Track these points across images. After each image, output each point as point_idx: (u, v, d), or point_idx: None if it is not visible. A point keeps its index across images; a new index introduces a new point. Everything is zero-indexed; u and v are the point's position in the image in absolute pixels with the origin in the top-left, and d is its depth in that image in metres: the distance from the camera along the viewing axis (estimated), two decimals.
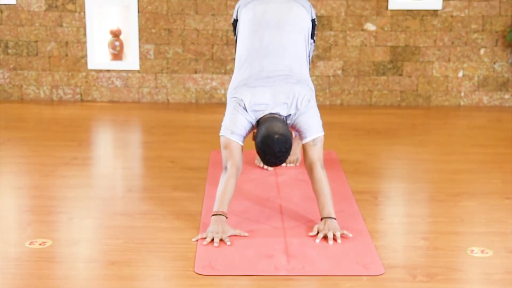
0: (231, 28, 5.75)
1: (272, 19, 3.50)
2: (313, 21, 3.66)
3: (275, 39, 3.46)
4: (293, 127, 3.42)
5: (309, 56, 3.64)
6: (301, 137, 3.39)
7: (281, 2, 3.57)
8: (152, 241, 3.20)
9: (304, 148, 3.36)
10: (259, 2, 3.58)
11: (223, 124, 3.40)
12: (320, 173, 3.30)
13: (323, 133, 3.38)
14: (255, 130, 3.40)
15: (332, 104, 5.92)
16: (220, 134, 3.40)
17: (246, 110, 3.36)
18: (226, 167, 3.34)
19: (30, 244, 3.14)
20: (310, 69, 3.65)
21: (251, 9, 3.57)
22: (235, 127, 3.34)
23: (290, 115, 3.37)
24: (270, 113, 3.34)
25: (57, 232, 3.31)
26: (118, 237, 3.24)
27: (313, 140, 3.34)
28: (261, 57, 3.44)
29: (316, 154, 3.33)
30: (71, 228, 3.37)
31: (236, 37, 3.67)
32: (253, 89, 3.39)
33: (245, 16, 3.58)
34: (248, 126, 3.38)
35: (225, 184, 3.28)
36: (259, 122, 3.36)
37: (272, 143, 3.18)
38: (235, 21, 3.69)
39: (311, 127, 3.35)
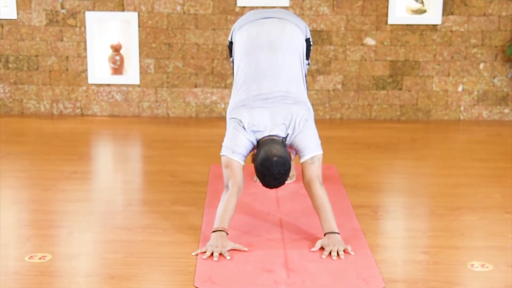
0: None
1: (266, 40, 3.52)
2: (307, 40, 3.67)
3: (271, 61, 3.48)
4: (291, 146, 3.43)
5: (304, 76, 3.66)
6: (299, 156, 3.40)
7: (274, 23, 3.58)
8: (152, 255, 3.19)
9: (302, 166, 3.37)
10: (253, 24, 3.60)
11: (224, 144, 3.42)
12: (319, 190, 3.31)
13: (321, 152, 3.39)
14: (254, 151, 3.42)
15: (332, 118, 5.93)
16: (221, 153, 3.41)
17: (246, 130, 3.38)
18: (227, 186, 3.35)
19: (29, 258, 3.14)
20: (307, 88, 3.66)
21: (245, 31, 3.60)
22: (236, 147, 3.36)
23: (288, 135, 3.39)
24: (269, 135, 3.36)
25: (57, 246, 3.30)
26: (118, 251, 3.23)
27: (311, 158, 3.35)
28: (258, 80, 3.47)
29: (314, 172, 3.33)
30: (71, 242, 3.36)
31: (232, 59, 3.70)
32: (251, 110, 3.41)
33: (240, 39, 3.61)
34: (249, 146, 3.39)
35: (226, 203, 3.29)
36: (258, 144, 3.38)
37: (271, 165, 3.20)
38: (230, 43, 3.73)
39: (309, 146, 3.36)
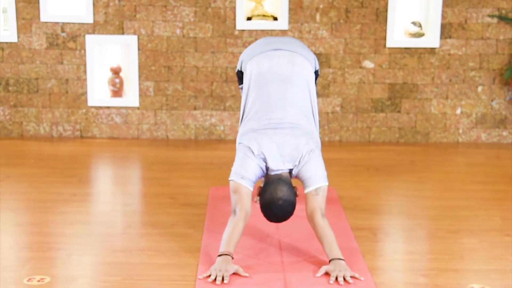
0: (231, 65, 5.80)
1: (277, 74, 3.56)
2: (315, 72, 3.72)
3: (281, 94, 3.52)
4: (297, 176, 3.45)
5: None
6: (304, 186, 3.41)
7: (285, 56, 3.60)
8: (151, 277, 3.19)
9: (306, 197, 3.38)
10: (264, 56, 3.61)
11: (233, 169, 3.43)
12: (321, 221, 3.32)
13: (326, 184, 3.40)
14: (262, 179, 3.45)
15: (331, 140, 5.95)
16: (229, 178, 3.41)
17: (255, 156, 3.40)
18: (235, 211, 3.35)
19: (28, 280, 3.13)
20: (318, 121, 3.69)
21: (256, 64, 3.61)
22: (245, 172, 3.37)
23: (295, 166, 3.41)
24: (276, 172, 3.39)
25: (55, 268, 3.29)
26: (117, 273, 3.22)
27: (315, 189, 3.36)
28: (268, 110, 3.50)
29: (317, 203, 3.34)
30: (70, 265, 3.35)
31: (241, 87, 3.74)
32: (260, 138, 3.43)
33: (251, 71, 3.62)
34: (258, 171, 3.41)
35: (233, 227, 3.29)
36: (265, 178, 3.42)
37: (275, 208, 3.27)
38: (240, 72, 3.76)
39: (314, 177, 3.37)
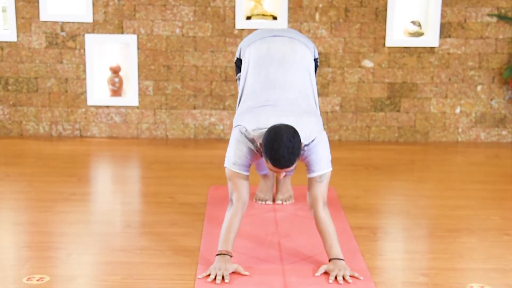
0: (230, 64, 5.80)
1: (277, 55, 3.50)
2: (315, 60, 3.67)
3: (281, 75, 3.43)
4: (302, 161, 3.32)
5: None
6: (308, 170, 3.30)
7: (285, 41, 3.57)
8: (151, 277, 3.19)
9: (309, 182, 3.29)
10: (263, 41, 3.59)
11: (226, 154, 3.35)
12: (322, 213, 3.25)
13: (331, 169, 3.31)
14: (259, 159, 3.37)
15: (330, 140, 5.93)
16: (224, 165, 3.36)
17: (248, 139, 3.29)
18: (231, 200, 3.30)
19: (28, 280, 3.13)
20: (318, 105, 3.61)
21: (255, 48, 3.58)
22: (237, 158, 3.29)
23: (306, 145, 3.26)
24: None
25: (55, 268, 3.29)
26: (116, 273, 3.22)
27: (320, 176, 3.27)
28: (267, 89, 3.40)
29: (320, 191, 3.26)
30: (69, 264, 3.35)
31: (239, 75, 3.68)
32: (258, 114, 3.30)
33: (249, 54, 3.58)
34: (250, 155, 3.30)
35: (230, 221, 3.25)
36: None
37: (279, 130, 3.09)
38: (238, 60, 3.71)
39: (320, 162, 3.26)
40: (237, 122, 3.39)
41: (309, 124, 3.30)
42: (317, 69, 3.72)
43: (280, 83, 3.41)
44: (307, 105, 3.43)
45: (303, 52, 3.57)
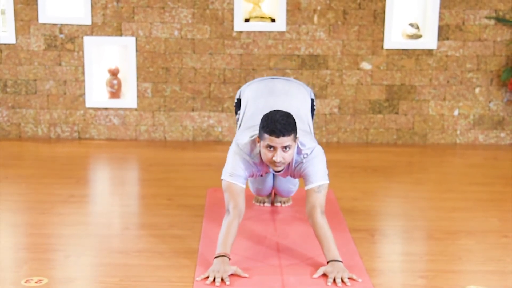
0: (229, 67, 5.81)
1: (275, 90, 3.75)
2: (312, 100, 3.88)
3: (279, 103, 3.61)
4: (299, 173, 3.43)
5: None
6: (305, 182, 3.40)
7: (282, 81, 3.84)
8: (149, 279, 3.19)
9: (307, 194, 3.38)
10: (262, 81, 3.85)
11: (224, 168, 3.44)
12: (321, 220, 3.30)
13: (328, 181, 3.41)
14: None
15: (328, 142, 5.95)
16: (221, 178, 3.42)
17: (244, 151, 3.39)
18: (228, 210, 3.35)
19: (26, 282, 3.13)
20: (313, 134, 3.75)
21: (255, 86, 3.83)
22: (234, 170, 3.38)
23: (306, 153, 3.40)
24: None
25: (53, 270, 3.29)
26: (114, 275, 3.22)
27: (318, 186, 3.35)
28: (265, 111, 3.52)
29: (318, 201, 3.33)
30: (67, 266, 3.35)
31: (239, 112, 3.85)
32: (254, 126, 3.49)
33: (249, 92, 3.81)
34: (246, 167, 3.40)
35: (228, 227, 3.29)
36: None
37: (277, 114, 3.26)
38: (238, 100, 3.90)
39: (318, 173, 3.37)
40: (234, 140, 3.53)
41: (306, 136, 3.47)
42: (314, 111, 3.93)
43: (278, 108, 3.53)
44: (304, 127, 3.61)
45: (300, 90, 3.83)
